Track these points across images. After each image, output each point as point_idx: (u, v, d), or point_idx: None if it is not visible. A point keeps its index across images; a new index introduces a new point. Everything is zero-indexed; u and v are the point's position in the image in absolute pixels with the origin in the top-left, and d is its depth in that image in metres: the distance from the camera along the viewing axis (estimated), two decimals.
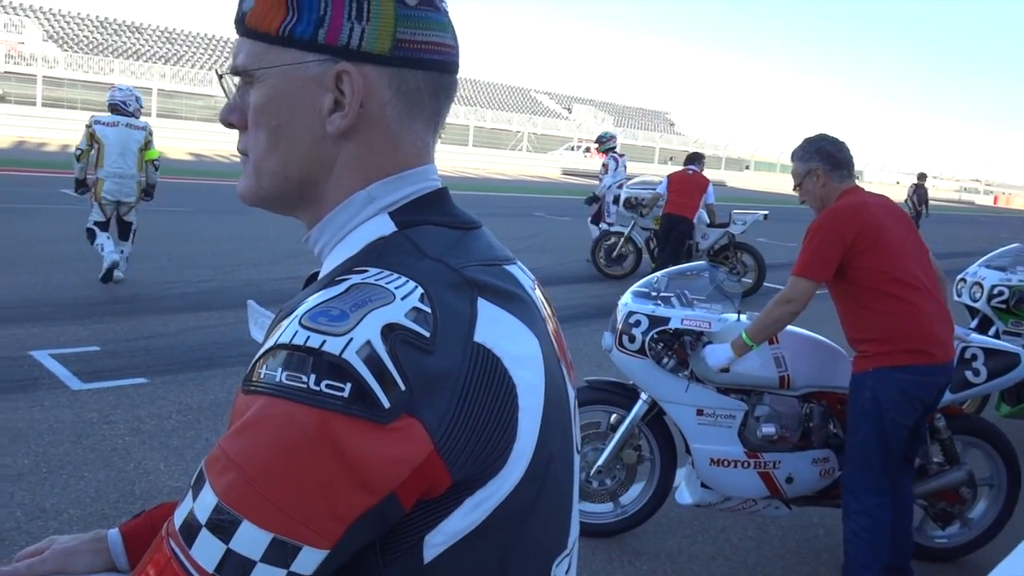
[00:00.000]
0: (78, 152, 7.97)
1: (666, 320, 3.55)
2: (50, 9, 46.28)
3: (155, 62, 42.75)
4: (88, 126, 7.98)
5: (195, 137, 31.11)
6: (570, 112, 64.63)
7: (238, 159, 0.93)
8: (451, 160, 36.44)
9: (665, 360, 3.51)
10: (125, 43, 46.04)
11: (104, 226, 8.05)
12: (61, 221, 11.55)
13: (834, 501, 3.66)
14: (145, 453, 4.27)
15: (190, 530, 0.72)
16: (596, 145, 13.18)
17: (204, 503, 0.72)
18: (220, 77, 0.94)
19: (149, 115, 32.24)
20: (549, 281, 9.66)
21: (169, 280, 8.39)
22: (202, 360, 5.88)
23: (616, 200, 11.90)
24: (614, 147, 12.71)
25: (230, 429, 0.74)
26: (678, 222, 10.00)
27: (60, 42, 43.01)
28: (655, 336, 3.53)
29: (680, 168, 10.65)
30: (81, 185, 8.05)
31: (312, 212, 0.91)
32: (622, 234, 11.21)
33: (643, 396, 3.67)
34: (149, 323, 6.74)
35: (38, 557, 1.05)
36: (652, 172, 45.99)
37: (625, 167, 12.60)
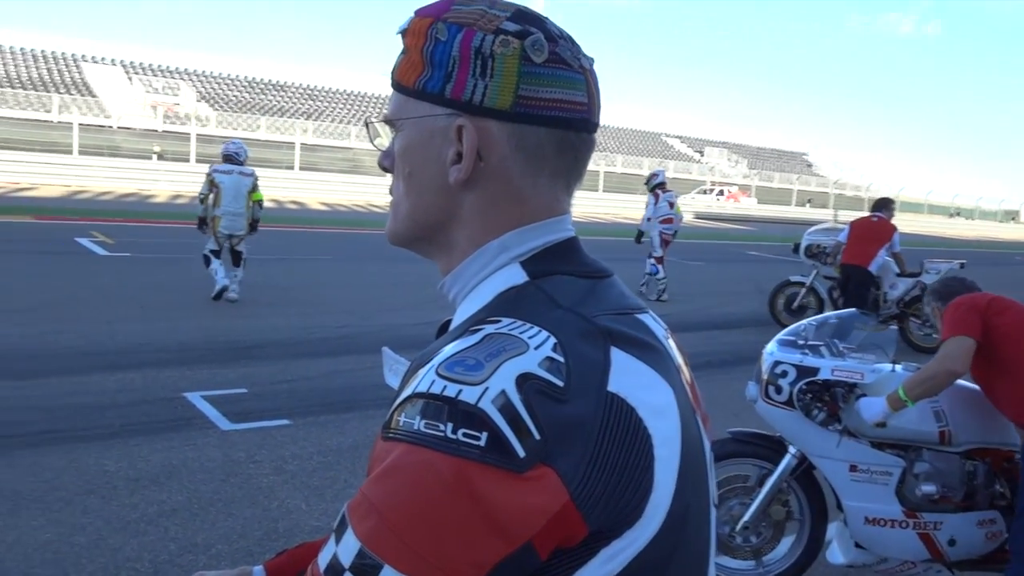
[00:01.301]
0: (202, 196, 9.81)
1: (815, 371, 3.43)
2: (203, 72, 49.56)
3: (298, 118, 44.98)
4: (208, 174, 9.74)
5: (334, 188, 32.42)
6: (702, 155, 64.01)
7: (373, 209, 0.98)
8: (581, 206, 36.63)
9: (815, 413, 3.38)
10: (270, 101, 48.71)
11: (217, 254, 9.83)
12: (193, 268, 12.23)
13: (1000, 566, 3.42)
14: (288, 492, 4.43)
15: (334, 573, 0.75)
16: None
17: (347, 547, 0.74)
18: (367, 125, 1.03)
19: (292, 168, 33.95)
20: (681, 328, 9.52)
21: (311, 325, 8.73)
22: (341, 403, 6.08)
23: (662, 236, 12.39)
24: (660, 183, 12.78)
25: (371, 475, 0.77)
26: (854, 272, 9.58)
27: (212, 102, 45.89)
28: (803, 387, 3.40)
29: (864, 215, 10.23)
30: (203, 223, 9.80)
31: (445, 259, 0.95)
32: (803, 283, 10.74)
33: (791, 450, 3.53)
34: (293, 367, 7.02)
35: None
36: (789, 215, 44.96)
37: (669, 203, 12.62)
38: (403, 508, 0.72)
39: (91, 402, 5.67)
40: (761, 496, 3.58)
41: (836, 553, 3.58)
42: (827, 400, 3.37)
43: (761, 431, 3.72)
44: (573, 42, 0.91)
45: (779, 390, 3.44)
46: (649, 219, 12.64)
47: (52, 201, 22.37)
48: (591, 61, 0.92)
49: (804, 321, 3.81)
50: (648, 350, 0.85)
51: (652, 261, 12.55)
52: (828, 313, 4.07)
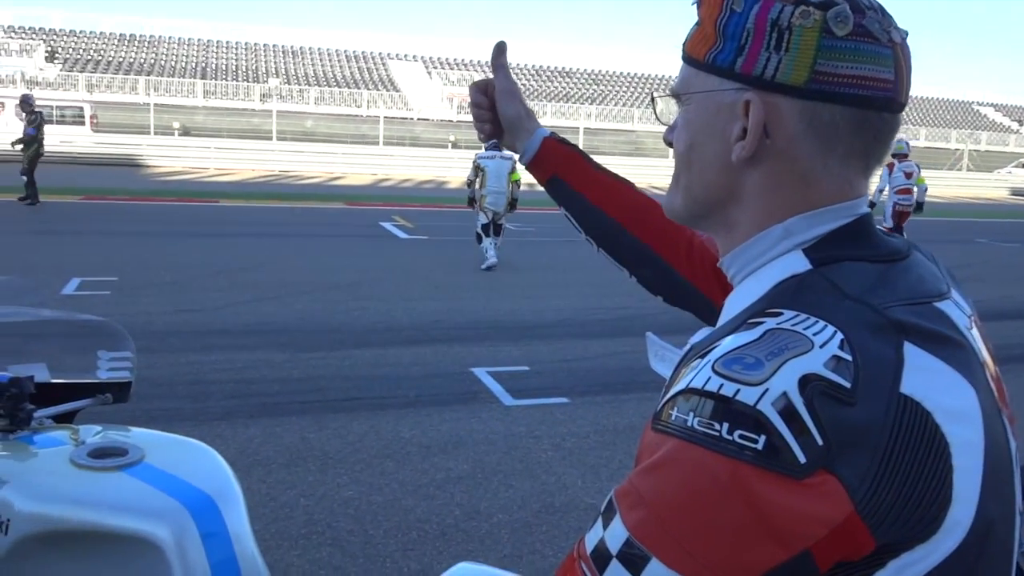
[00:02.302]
0: (469, 180, 11.73)
1: None
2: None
3: (582, 103, 45.86)
4: (474, 160, 11.52)
5: (617, 171, 32.62)
6: (1021, 125, 57.29)
7: (656, 191, 0.96)
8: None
9: None
10: (556, 87, 50.04)
11: (487, 229, 11.31)
12: (500, 251, 12.83)
13: None
14: (565, 468, 4.53)
15: (601, 558, 0.74)
16: None
17: (615, 534, 0.73)
18: (653, 100, 1.01)
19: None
20: (990, 316, 8.59)
21: (591, 307, 8.87)
22: (619, 384, 6.12)
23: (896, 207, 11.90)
24: (904, 153, 12.14)
25: (640, 465, 0.75)
26: None
27: None
28: None
29: None
30: (471, 201, 11.71)
31: (726, 238, 0.91)
32: None
33: None
34: (572, 346, 7.18)
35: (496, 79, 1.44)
36: None
37: (906, 174, 12.04)
38: (673, 504, 0.71)
39: (389, 373, 6.13)
40: None
41: None
42: None
43: None
44: (884, 13, 0.82)
45: None
46: (882, 191, 12.35)
47: (360, 188, 24.54)
48: (904, 34, 0.83)
49: None
50: (948, 345, 0.76)
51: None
52: None
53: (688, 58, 0.89)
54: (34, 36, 44.22)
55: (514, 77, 1.43)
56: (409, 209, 18.32)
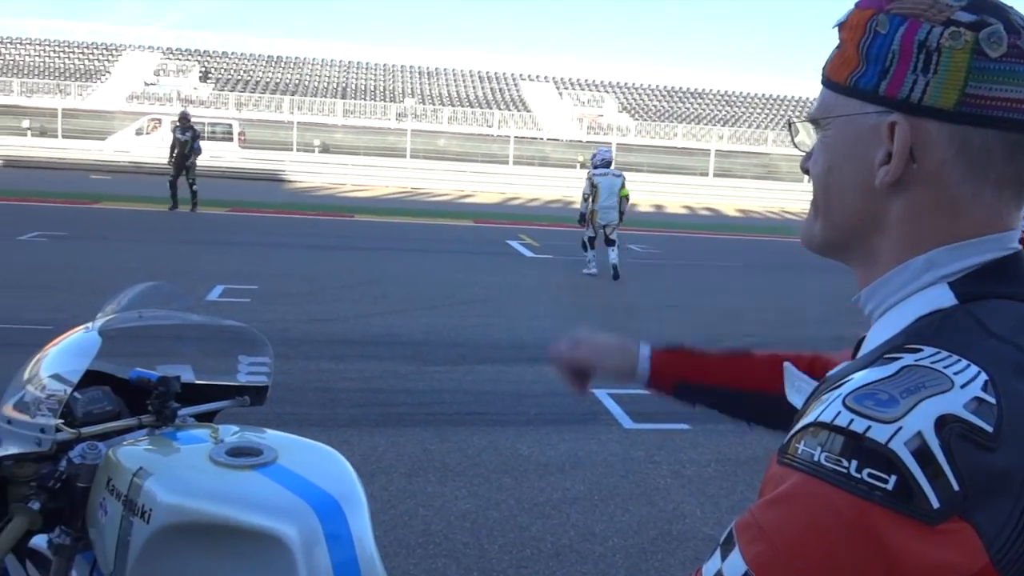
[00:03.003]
0: (585, 195, 12.27)
1: None
2: (626, 83, 51.85)
3: (714, 124, 45.20)
4: (589, 178, 12.23)
5: (747, 195, 32.08)
6: None
7: (788, 216, 0.94)
8: None
9: None
10: (688, 108, 49.51)
11: (592, 241, 12.17)
12: (626, 273, 12.78)
13: None
14: (683, 496, 4.45)
15: None
16: None
17: (733, 567, 0.72)
18: (790, 125, 0.97)
19: (706, 175, 34.18)
20: None
21: (718, 333, 8.71)
22: None
23: None
24: None
25: (762, 498, 0.74)
26: None
27: (632, 112, 47.82)
28: None
29: None
30: (583, 218, 12.31)
31: (864, 270, 0.88)
32: None
33: None
34: None
35: (576, 346, 1.25)
36: None
37: None
38: (795, 541, 0.69)
39: (511, 390, 6.19)
40: None
41: None
42: None
43: None
44: None
45: None
46: None
47: (489, 207, 24.89)
48: None
49: None
50: None
51: None
52: None
53: (828, 82, 0.87)
54: (190, 58, 47.05)
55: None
56: (535, 228, 18.46)
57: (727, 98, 52.26)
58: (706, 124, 45.70)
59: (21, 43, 46.93)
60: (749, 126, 46.49)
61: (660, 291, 11.41)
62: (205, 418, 2.01)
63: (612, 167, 12.54)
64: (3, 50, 45.66)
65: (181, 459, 1.72)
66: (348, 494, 1.59)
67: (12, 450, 1.74)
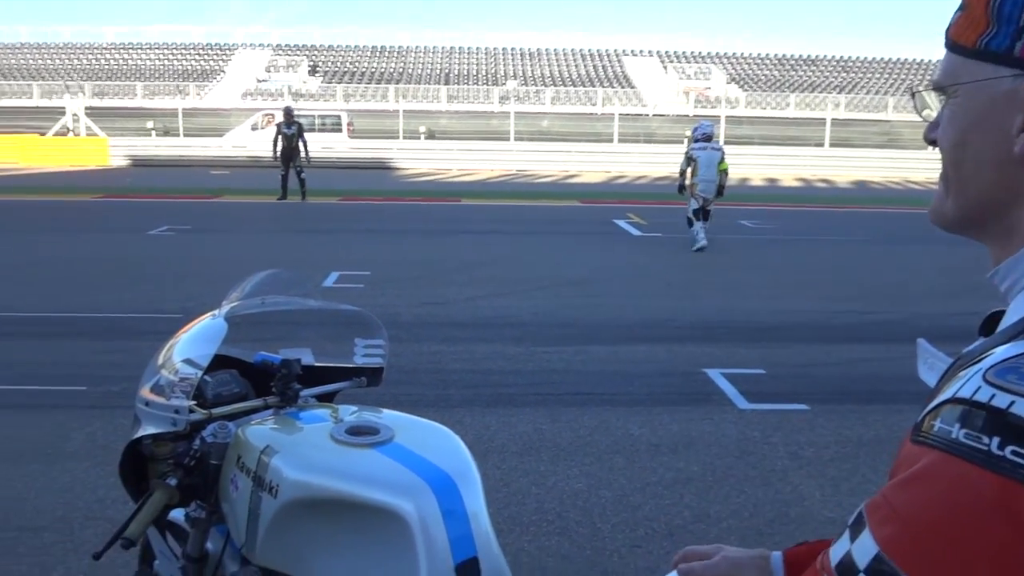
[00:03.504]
0: (682, 169, 12.38)
1: None
2: (734, 54, 50.53)
3: (829, 92, 43.60)
4: (687, 152, 12.29)
5: (866, 165, 30.86)
6: None
7: (911, 186, 0.90)
8: None
9: None
10: (801, 76, 47.88)
11: (698, 214, 12.13)
12: (735, 251, 12.52)
13: None
14: (801, 479, 4.35)
15: (847, 572, 0.70)
16: None
17: (863, 548, 0.70)
18: (913, 94, 0.93)
19: (821, 145, 33.07)
20: None
21: (834, 309, 8.44)
22: (864, 392, 5.78)
23: None
24: None
25: (894, 478, 0.71)
26: None
27: (741, 83, 46.57)
28: None
29: None
30: (682, 189, 12.48)
31: (1000, 245, 0.83)
32: None
33: None
34: (813, 351, 6.87)
35: (710, 562, 1.14)
36: None
37: None
38: (930, 521, 0.66)
39: (621, 370, 6.17)
40: None
41: None
42: None
43: None
44: None
45: None
46: None
47: (594, 186, 24.77)
48: None
49: None
50: None
51: None
52: None
53: (954, 46, 0.82)
54: (298, 53, 48.35)
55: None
56: (643, 206, 18.26)
57: (843, 64, 50.29)
58: (821, 92, 44.11)
59: (142, 48, 49.24)
60: (867, 92, 44.62)
61: (774, 268, 11.13)
62: (325, 399, 2.09)
63: (713, 141, 12.53)
64: (127, 56, 48.00)
65: (304, 438, 1.79)
66: (463, 472, 1.63)
67: (151, 430, 1.85)
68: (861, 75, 48.65)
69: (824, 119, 35.01)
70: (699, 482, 4.26)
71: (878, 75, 48.71)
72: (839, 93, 43.39)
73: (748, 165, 29.62)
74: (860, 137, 37.12)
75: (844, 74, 48.65)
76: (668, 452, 4.65)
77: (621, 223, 15.80)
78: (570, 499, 4.03)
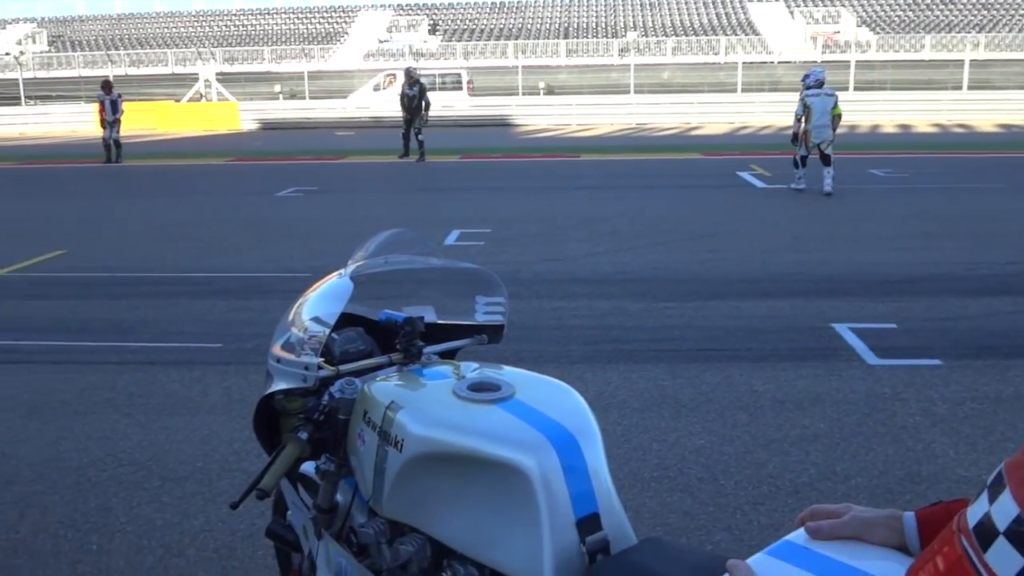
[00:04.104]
0: (798, 115, 12.85)
1: None
2: None
3: (968, 31, 40.90)
4: (802, 98, 12.78)
5: (1010, 107, 28.92)
6: None
7: None
8: None
9: None
10: (936, 16, 45.02)
11: (804, 160, 12.85)
12: (865, 201, 12.02)
13: None
14: (934, 436, 4.19)
15: (986, 534, 0.69)
16: None
17: (1003, 509, 0.68)
18: None
19: (959, 88, 31.17)
20: None
21: (972, 260, 8.02)
22: (1003, 347, 5.50)
23: None
24: None
25: None
26: None
27: (873, 25, 44.18)
28: None
29: None
30: (795, 137, 13.00)
31: None
32: None
33: None
34: (948, 304, 6.56)
35: (839, 520, 1.12)
36: None
37: None
38: None
39: (744, 326, 6.05)
40: None
41: None
42: None
43: None
44: None
45: None
46: None
47: (717, 138, 24.14)
48: None
49: None
50: None
51: None
52: None
53: None
54: (419, 12, 48.73)
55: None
56: (768, 157, 17.69)
57: (984, 2, 47.01)
58: (958, 32, 41.41)
59: (269, 13, 50.65)
60: (1010, 30, 41.62)
61: (906, 218, 10.62)
62: (448, 356, 2.14)
63: (826, 87, 12.92)
64: (254, 21, 49.50)
65: (428, 394, 1.84)
66: (583, 428, 1.64)
67: (282, 386, 1.94)
68: (1002, 12, 45.31)
69: (962, 60, 32.93)
70: (826, 439, 4.16)
71: (1022, 12, 45.29)
72: (978, 32, 40.61)
73: (880, 112, 28.23)
74: (1001, 79, 34.74)
75: (983, 12, 45.40)
76: (793, 409, 4.55)
77: (745, 175, 15.38)
78: (692, 455, 4.01)
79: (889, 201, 12.10)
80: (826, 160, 12.54)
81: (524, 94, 33.71)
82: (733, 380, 4.98)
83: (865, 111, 29.17)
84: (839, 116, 12.75)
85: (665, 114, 30.29)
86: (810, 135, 12.65)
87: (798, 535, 1.17)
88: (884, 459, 3.94)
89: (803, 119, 12.72)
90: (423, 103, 18.40)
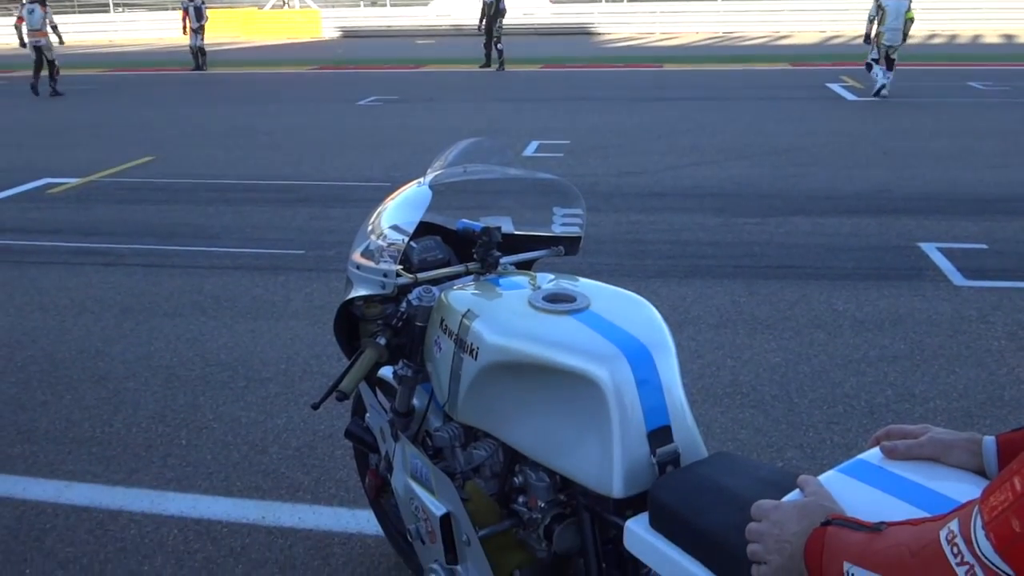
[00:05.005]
0: (872, 16, 13.02)
1: None
2: None
3: None
4: (877, 1, 12.84)
5: None
6: None
7: None
8: None
9: None
10: None
11: (877, 62, 13.11)
12: (962, 115, 11.46)
13: None
14: (1020, 360, 4.07)
15: None
16: None
17: None
18: None
19: None
20: None
21: None
22: None
23: None
24: None
25: None
26: None
27: None
28: None
29: None
30: (868, 37, 13.18)
31: None
32: None
33: None
34: None
35: (916, 441, 1.11)
36: None
37: None
38: None
39: (826, 243, 5.92)
40: None
41: None
42: None
43: None
44: None
45: None
46: None
47: (806, 47, 23.18)
48: None
49: None
50: None
51: None
52: None
53: None
54: None
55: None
56: (859, 68, 16.95)
57: None
58: None
59: None
60: None
61: (1006, 134, 10.10)
62: (524, 266, 2.16)
63: None
64: None
65: (504, 303, 1.86)
66: (657, 342, 1.64)
67: (362, 292, 1.99)
68: None
69: None
70: (906, 360, 4.09)
71: None
72: None
73: (980, 20, 26.64)
74: None
75: None
76: (873, 329, 4.47)
77: (835, 87, 14.78)
78: (766, 373, 3.99)
79: (988, 115, 11.52)
80: (890, 64, 12.96)
81: (607, 1, 32.75)
82: (812, 298, 4.90)
83: (963, 19, 27.57)
84: (911, 20, 12.95)
85: (753, 22, 29.13)
86: (882, 37, 12.87)
87: (872, 454, 1.17)
88: (965, 382, 3.86)
89: (876, 20, 12.92)
90: (500, 11, 18.07)
